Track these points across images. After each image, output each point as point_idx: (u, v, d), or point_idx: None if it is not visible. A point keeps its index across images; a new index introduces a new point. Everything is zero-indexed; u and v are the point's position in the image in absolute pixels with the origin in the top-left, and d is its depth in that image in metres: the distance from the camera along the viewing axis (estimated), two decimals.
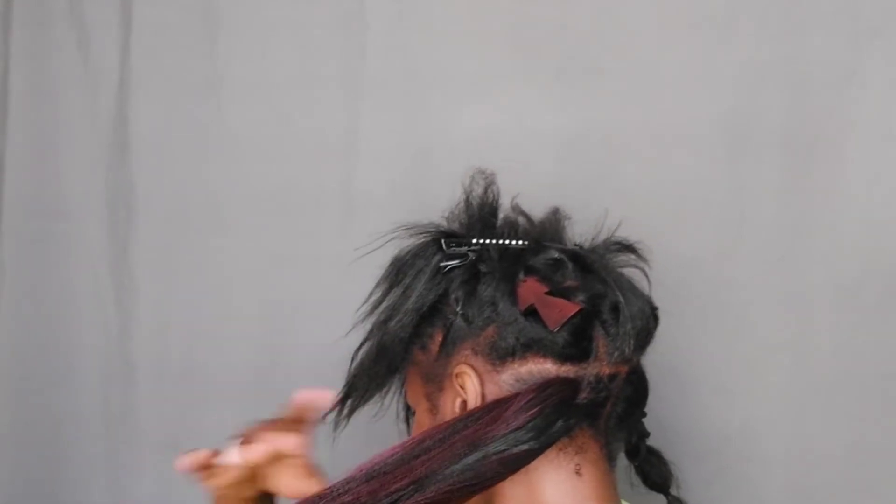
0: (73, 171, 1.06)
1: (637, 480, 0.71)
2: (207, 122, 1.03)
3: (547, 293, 0.62)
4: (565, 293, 0.63)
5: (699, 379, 0.93)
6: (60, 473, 1.08)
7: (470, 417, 0.60)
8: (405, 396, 0.73)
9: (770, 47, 0.90)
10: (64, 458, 1.08)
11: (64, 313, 1.07)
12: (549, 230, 0.69)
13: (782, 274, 0.91)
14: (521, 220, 0.71)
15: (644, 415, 0.70)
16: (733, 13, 0.90)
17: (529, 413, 0.59)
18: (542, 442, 0.59)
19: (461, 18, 0.96)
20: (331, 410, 0.71)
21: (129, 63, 1.04)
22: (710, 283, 0.92)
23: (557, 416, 0.60)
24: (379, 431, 0.75)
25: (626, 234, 0.71)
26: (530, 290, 0.63)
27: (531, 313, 0.62)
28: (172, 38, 1.03)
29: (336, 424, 0.71)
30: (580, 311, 0.62)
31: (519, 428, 0.59)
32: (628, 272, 0.69)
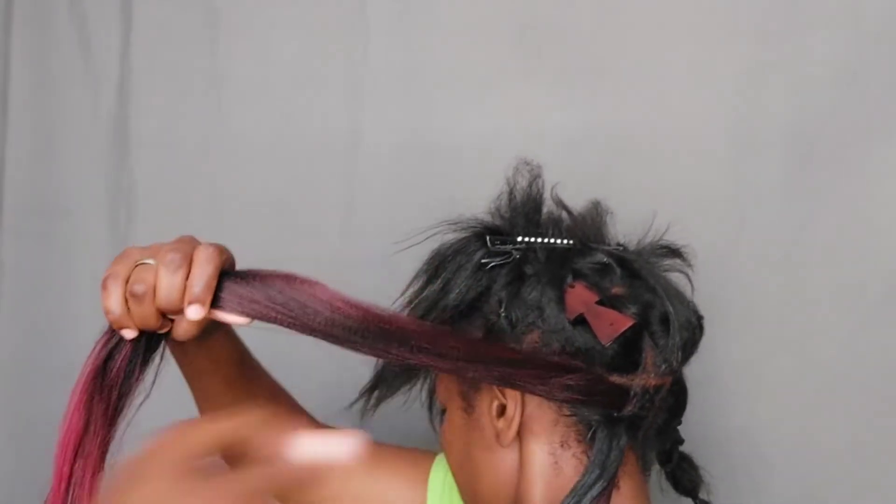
0: (73, 170, 1.06)
1: (667, 485, 0.71)
2: (208, 121, 1.03)
3: (597, 302, 0.60)
4: (616, 303, 0.61)
5: (701, 379, 0.92)
6: None
7: (510, 356, 0.60)
8: (437, 395, 0.70)
9: (772, 48, 0.90)
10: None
11: (64, 313, 1.07)
12: (591, 227, 0.67)
13: (784, 274, 0.91)
14: (563, 214, 0.69)
15: (680, 422, 0.70)
16: (735, 13, 0.90)
17: (571, 395, 0.59)
18: (607, 473, 0.58)
19: (463, 17, 0.96)
20: (357, 400, 0.70)
21: (129, 62, 1.04)
22: (712, 282, 0.92)
23: (611, 448, 0.59)
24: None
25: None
26: (579, 298, 0.61)
27: (580, 322, 0.60)
28: (173, 37, 1.03)
29: (363, 414, 0.70)
30: (632, 325, 0.60)
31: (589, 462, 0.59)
32: (672, 276, 0.68)
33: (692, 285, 0.68)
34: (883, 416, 0.90)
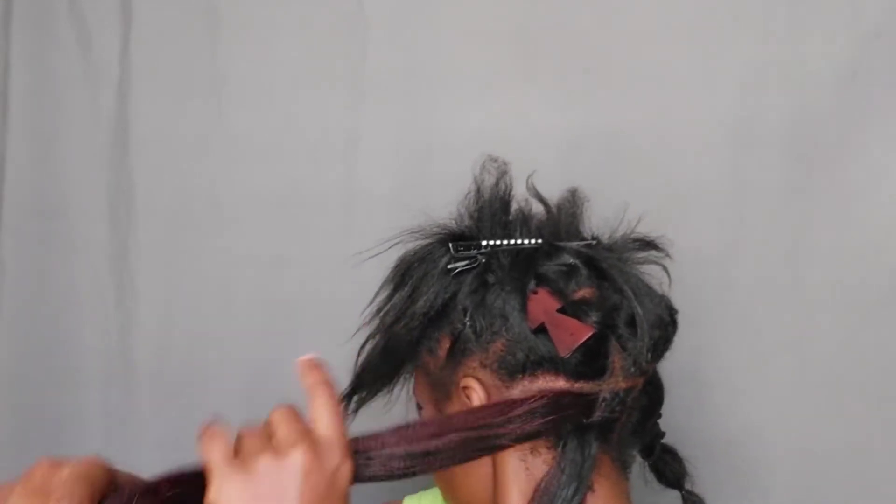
0: (73, 170, 1.06)
1: (651, 477, 0.70)
2: (208, 122, 1.03)
3: (559, 310, 0.60)
4: (578, 310, 0.60)
5: (702, 379, 0.93)
6: None
7: (478, 414, 0.59)
8: (414, 393, 0.70)
9: (772, 48, 0.90)
10: (64, 457, 1.07)
11: (64, 313, 1.07)
12: (564, 220, 0.66)
13: (785, 274, 0.91)
14: (535, 205, 0.68)
15: (659, 416, 0.69)
16: (736, 13, 0.91)
17: (544, 420, 0.58)
18: (584, 483, 0.58)
19: (462, 17, 0.97)
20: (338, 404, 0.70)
21: (129, 62, 1.04)
22: (713, 283, 0.92)
23: (584, 457, 0.59)
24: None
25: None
26: (541, 305, 0.60)
27: (542, 331, 0.60)
28: (173, 37, 1.03)
29: (344, 418, 0.70)
30: (594, 334, 0.59)
31: (561, 473, 0.58)
32: (648, 269, 0.66)
33: (669, 276, 0.67)
34: (883, 416, 0.90)
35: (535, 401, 0.58)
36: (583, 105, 0.94)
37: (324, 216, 1.00)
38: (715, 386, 0.93)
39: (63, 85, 1.05)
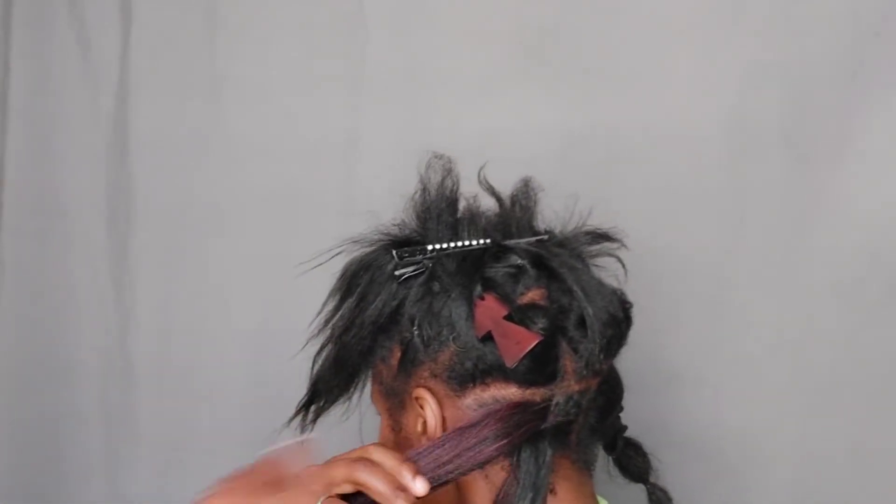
0: (73, 170, 1.06)
1: (616, 471, 0.69)
2: (207, 122, 1.03)
3: (506, 316, 0.58)
4: (525, 316, 0.58)
5: (700, 379, 0.93)
6: (60, 472, 1.08)
7: (431, 455, 0.58)
8: (371, 400, 0.69)
9: (771, 48, 0.90)
10: (63, 457, 1.08)
11: (64, 312, 1.07)
12: (516, 214, 0.65)
13: (783, 273, 0.91)
14: (488, 200, 0.66)
15: (621, 409, 0.68)
16: (735, 13, 0.91)
17: (498, 444, 0.57)
18: (541, 492, 0.57)
19: (462, 18, 0.97)
20: (295, 416, 0.69)
21: (129, 63, 1.04)
22: (711, 282, 0.92)
23: (538, 465, 0.58)
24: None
25: (627, 232, 0.67)
26: (488, 313, 0.58)
27: (490, 339, 0.58)
28: (173, 37, 1.03)
29: (302, 429, 0.68)
30: (539, 342, 0.57)
31: (517, 483, 0.57)
32: (602, 261, 0.65)
33: (625, 267, 0.66)
34: (882, 416, 0.90)
35: (482, 427, 0.57)
36: (583, 105, 0.94)
37: (324, 216, 1.00)
38: (713, 385, 0.93)
39: (63, 85, 1.06)
